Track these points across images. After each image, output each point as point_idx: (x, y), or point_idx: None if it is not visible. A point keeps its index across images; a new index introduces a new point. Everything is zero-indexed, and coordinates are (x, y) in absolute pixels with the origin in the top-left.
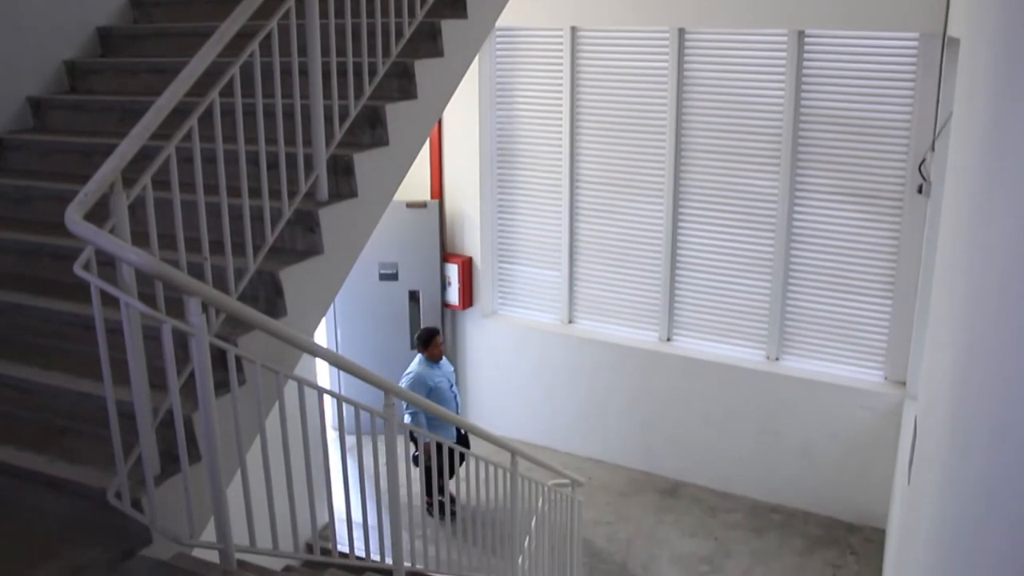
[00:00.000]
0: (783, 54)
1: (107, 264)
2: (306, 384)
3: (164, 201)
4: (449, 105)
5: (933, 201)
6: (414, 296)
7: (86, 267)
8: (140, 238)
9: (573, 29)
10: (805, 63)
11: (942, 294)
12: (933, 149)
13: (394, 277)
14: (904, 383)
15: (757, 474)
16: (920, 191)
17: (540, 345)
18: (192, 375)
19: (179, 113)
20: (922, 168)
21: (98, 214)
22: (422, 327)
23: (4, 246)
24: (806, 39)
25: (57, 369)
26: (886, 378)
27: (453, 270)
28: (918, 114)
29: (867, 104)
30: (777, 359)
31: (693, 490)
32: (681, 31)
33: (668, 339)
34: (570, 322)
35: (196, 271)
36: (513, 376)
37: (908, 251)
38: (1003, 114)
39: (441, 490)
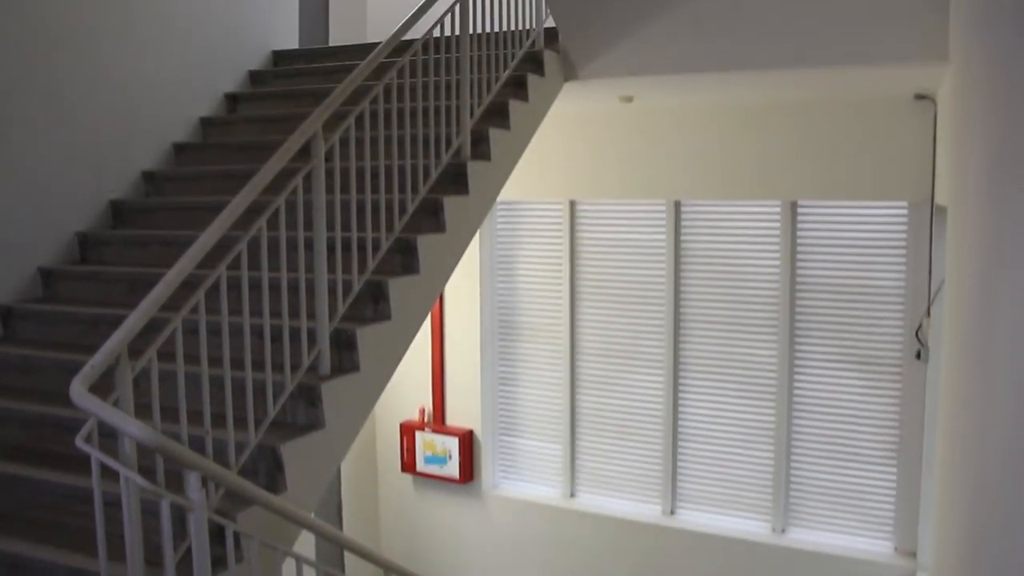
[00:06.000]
0: (777, 224)
1: (109, 436)
2: (304, 562)
3: (168, 373)
4: (451, 277)
5: (932, 367)
6: None
7: (88, 439)
8: (143, 409)
9: (572, 203)
10: (799, 233)
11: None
12: (928, 315)
13: None
14: (914, 554)
15: None
16: (918, 357)
17: (541, 520)
18: (189, 550)
19: (186, 285)
20: (919, 334)
21: (103, 385)
22: None
23: (7, 416)
24: (799, 209)
25: (50, 544)
26: (896, 548)
27: (453, 443)
28: (912, 280)
29: (862, 271)
30: (783, 531)
31: None
32: (677, 203)
33: (672, 512)
34: (572, 496)
35: (197, 443)
36: (513, 553)
37: (910, 417)
38: (991, 280)
39: None
